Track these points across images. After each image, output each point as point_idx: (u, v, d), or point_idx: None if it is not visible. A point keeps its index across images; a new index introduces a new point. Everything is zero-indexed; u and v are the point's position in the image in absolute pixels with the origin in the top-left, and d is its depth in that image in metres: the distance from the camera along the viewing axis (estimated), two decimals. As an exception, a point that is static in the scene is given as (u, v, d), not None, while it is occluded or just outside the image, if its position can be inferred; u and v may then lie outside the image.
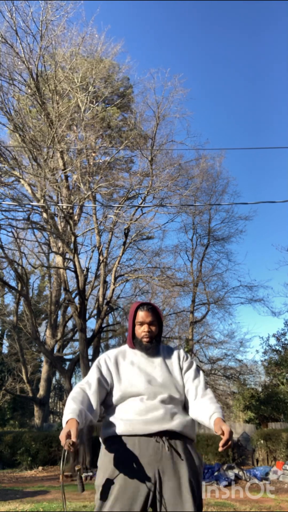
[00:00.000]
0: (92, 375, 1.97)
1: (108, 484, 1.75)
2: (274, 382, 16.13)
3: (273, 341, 22.10)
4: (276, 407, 15.23)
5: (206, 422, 1.84)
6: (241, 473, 9.39)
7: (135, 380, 1.94)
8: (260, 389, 17.40)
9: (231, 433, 1.72)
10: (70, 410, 1.77)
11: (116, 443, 1.83)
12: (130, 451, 1.78)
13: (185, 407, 1.99)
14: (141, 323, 2.05)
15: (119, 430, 1.84)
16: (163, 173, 12.98)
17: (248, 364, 19.17)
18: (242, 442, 12.53)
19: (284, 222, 36.68)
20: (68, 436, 1.64)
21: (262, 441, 11.67)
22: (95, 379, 1.94)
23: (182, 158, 14.19)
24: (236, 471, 9.41)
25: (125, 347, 2.12)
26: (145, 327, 2.04)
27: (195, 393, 1.96)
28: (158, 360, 2.03)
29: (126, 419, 1.85)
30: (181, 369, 2.04)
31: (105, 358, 2.04)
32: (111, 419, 1.90)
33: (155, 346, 2.05)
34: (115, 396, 1.94)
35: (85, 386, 1.92)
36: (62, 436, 1.64)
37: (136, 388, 1.91)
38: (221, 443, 1.71)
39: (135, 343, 2.06)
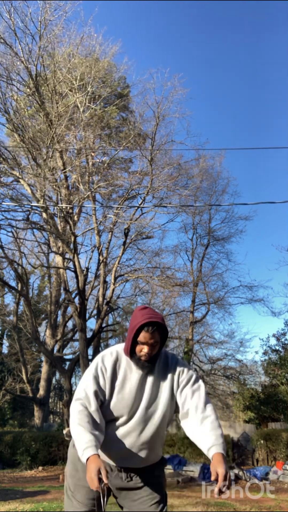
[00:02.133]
0: (90, 387, 1.91)
1: (75, 489, 1.96)
2: (273, 383, 16.11)
3: (273, 341, 22.16)
4: (276, 407, 15.21)
5: (205, 452, 1.81)
6: (241, 473, 9.39)
7: (121, 407, 1.92)
8: (260, 389, 17.38)
9: (225, 477, 1.66)
10: (87, 442, 1.73)
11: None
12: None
13: (165, 433, 2.06)
14: (143, 343, 1.94)
15: None
16: (162, 173, 12.97)
17: (248, 364, 19.18)
18: (242, 442, 12.53)
19: (284, 222, 36.72)
20: (99, 476, 1.61)
21: (262, 441, 11.67)
22: (93, 394, 1.90)
23: (182, 158, 14.19)
24: (236, 471, 9.41)
25: (122, 351, 2.03)
26: (146, 348, 1.93)
27: (195, 414, 1.90)
28: (150, 380, 1.97)
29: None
30: (176, 387, 1.98)
31: (102, 368, 1.97)
32: None
33: (152, 365, 1.98)
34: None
35: (85, 403, 1.87)
36: (93, 478, 1.60)
37: (119, 415, 1.93)
38: (215, 490, 1.65)
39: (132, 358, 1.98)
